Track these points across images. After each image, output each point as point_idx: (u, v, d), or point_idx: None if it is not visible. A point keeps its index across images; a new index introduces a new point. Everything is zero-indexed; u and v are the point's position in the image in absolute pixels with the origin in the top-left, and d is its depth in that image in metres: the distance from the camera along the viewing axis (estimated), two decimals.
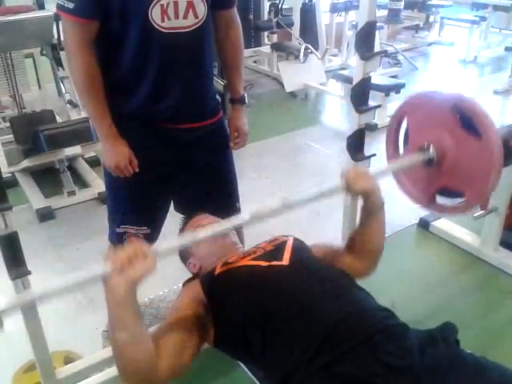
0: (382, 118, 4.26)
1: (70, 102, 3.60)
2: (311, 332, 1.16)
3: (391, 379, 1.07)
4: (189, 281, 1.59)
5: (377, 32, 3.22)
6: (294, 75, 4.96)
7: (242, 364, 1.38)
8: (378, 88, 4.04)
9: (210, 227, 1.24)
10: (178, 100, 1.59)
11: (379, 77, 4.49)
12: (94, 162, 3.54)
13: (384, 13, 6.09)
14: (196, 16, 1.50)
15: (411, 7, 6.77)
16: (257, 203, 3.28)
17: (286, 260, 1.36)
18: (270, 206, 1.28)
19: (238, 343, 1.28)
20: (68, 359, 1.82)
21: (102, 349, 1.89)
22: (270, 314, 1.22)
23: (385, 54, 5.31)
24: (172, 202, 1.84)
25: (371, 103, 1.90)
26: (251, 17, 5.76)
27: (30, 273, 1.38)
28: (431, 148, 1.47)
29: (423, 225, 2.80)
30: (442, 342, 1.16)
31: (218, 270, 1.37)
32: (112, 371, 1.61)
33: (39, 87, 4.36)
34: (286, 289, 1.27)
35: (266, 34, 5.96)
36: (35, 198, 3.13)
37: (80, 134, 2.96)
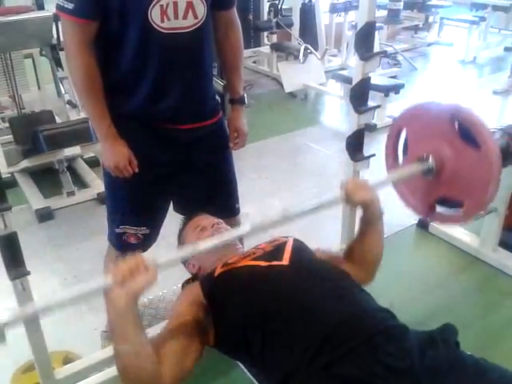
0: (381, 118, 4.27)
1: (69, 102, 3.60)
2: (311, 332, 1.16)
3: (391, 380, 1.07)
4: (188, 281, 1.59)
5: (376, 32, 3.23)
6: (294, 75, 4.96)
7: (241, 364, 1.38)
8: (378, 88, 4.04)
9: (210, 238, 1.25)
10: (177, 100, 1.59)
11: (378, 77, 4.50)
12: (93, 163, 3.54)
13: (383, 13, 6.10)
14: (195, 16, 1.50)
15: (411, 7, 6.78)
16: (256, 203, 3.31)
17: (285, 260, 1.36)
18: (271, 217, 1.30)
19: (239, 344, 1.28)
20: (67, 359, 1.82)
21: (100, 349, 1.89)
22: (270, 314, 1.22)
23: (384, 54, 5.31)
24: (171, 203, 1.84)
25: (370, 103, 1.90)
26: (251, 17, 5.76)
27: (29, 273, 1.38)
28: (430, 158, 1.48)
29: (422, 225, 2.81)
30: (442, 344, 1.15)
31: (217, 271, 1.37)
32: (111, 371, 1.61)
33: (38, 88, 4.36)
34: (286, 289, 1.27)
35: (265, 34, 5.97)
36: (34, 198, 3.13)
37: (79, 134, 2.96)
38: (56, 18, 3.07)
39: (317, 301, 1.23)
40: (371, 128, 3.95)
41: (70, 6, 1.40)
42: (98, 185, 3.23)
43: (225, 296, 1.31)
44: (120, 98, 1.58)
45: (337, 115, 4.98)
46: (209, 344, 1.32)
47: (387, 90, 4.18)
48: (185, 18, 1.48)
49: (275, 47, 5.45)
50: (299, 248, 1.44)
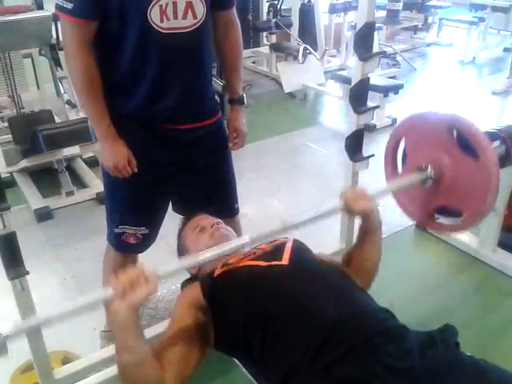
0: (380, 118, 4.27)
1: (68, 102, 3.60)
2: (311, 333, 1.16)
3: (391, 381, 1.07)
4: (187, 281, 1.59)
5: (375, 33, 3.23)
6: (293, 76, 4.97)
7: (240, 364, 1.38)
8: (377, 89, 4.04)
9: (210, 249, 1.25)
10: (176, 100, 1.59)
11: (378, 77, 4.50)
12: (92, 163, 3.54)
13: (383, 14, 6.10)
14: (195, 16, 1.50)
15: (410, 8, 6.78)
16: (255, 203, 3.30)
17: (285, 260, 1.36)
18: (271, 228, 1.31)
19: (238, 345, 1.28)
20: (66, 359, 1.82)
21: (99, 349, 1.89)
22: (270, 315, 1.22)
23: (383, 54, 5.31)
24: (171, 203, 1.84)
25: (370, 104, 1.90)
26: (250, 17, 5.76)
27: (28, 273, 1.38)
28: (429, 168, 1.49)
29: None
30: (442, 344, 1.16)
31: (217, 271, 1.37)
32: (110, 371, 1.61)
33: (38, 87, 4.36)
34: (285, 290, 1.26)
35: (264, 34, 5.98)
36: (33, 198, 3.13)
37: (78, 134, 2.96)
38: (55, 18, 3.07)
39: (316, 301, 1.23)
40: (370, 128, 3.95)
41: (70, 5, 1.40)
42: (97, 185, 3.22)
43: (225, 297, 1.31)
44: (119, 98, 1.58)
45: (336, 115, 4.98)
46: (209, 345, 1.32)
47: (386, 91, 4.19)
48: (184, 18, 1.48)
49: (274, 47, 5.45)
50: (299, 248, 1.44)
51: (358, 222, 1.50)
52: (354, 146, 1.93)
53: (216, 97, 1.79)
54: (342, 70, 5.40)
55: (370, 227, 1.44)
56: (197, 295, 1.34)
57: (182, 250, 1.62)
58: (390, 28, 6.80)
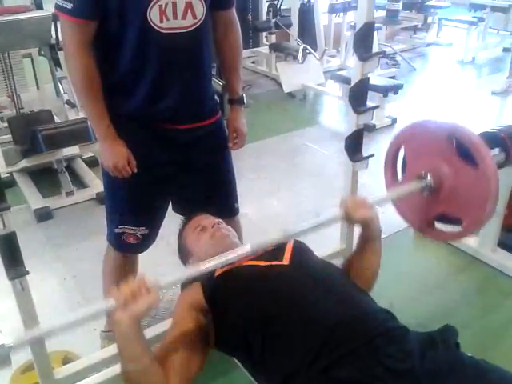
0: (380, 118, 4.27)
1: (68, 102, 3.60)
2: (311, 334, 1.16)
3: (391, 382, 1.06)
4: (188, 281, 1.58)
5: (375, 33, 3.24)
6: (293, 76, 4.97)
7: (240, 364, 1.38)
8: (377, 89, 4.04)
9: (213, 259, 1.25)
10: (176, 101, 1.59)
11: (377, 77, 4.50)
12: (92, 163, 3.54)
13: (382, 14, 6.10)
14: (194, 16, 1.50)
15: (409, 8, 6.78)
16: (255, 203, 3.30)
17: (286, 260, 1.36)
18: (271, 237, 1.32)
19: (239, 346, 1.28)
20: (66, 359, 1.82)
21: (100, 349, 1.89)
22: (270, 316, 1.22)
23: (383, 54, 5.31)
24: (170, 203, 1.84)
25: (369, 104, 1.90)
26: (249, 17, 5.77)
27: (27, 273, 1.38)
28: (429, 176, 1.50)
29: None
30: (442, 345, 1.16)
31: (218, 271, 1.37)
32: (110, 371, 1.61)
33: (37, 87, 4.36)
34: (286, 290, 1.26)
35: (264, 34, 5.98)
36: (33, 198, 3.13)
37: (78, 134, 2.96)
38: (55, 18, 3.07)
39: (317, 302, 1.23)
40: (370, 128, 3.95)
41: (69, 5, 1.40)
42: (96, 185, 3.22)
43: (225, 297, 1.31)
44: (119, 98, 1.58)
45: (335, 115, 4.98)
46: (210, 346, 1.32)
47: (386, 91, 4.19)
48: (184, 18, 1.48)
49: (274, 47, 5.45)
50: (300, 248, 1.44)
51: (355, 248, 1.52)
52: (354, 145, 1.93)
53: (216, 97, 1.79)
54: (341, 69, 5.40)
55: (370, 235, 1.45)
56: (197, 296, 1.34)
57: (182, 250, 1.62)
58: (390, 28, 6.80)
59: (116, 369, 1.56)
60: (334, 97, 5.02)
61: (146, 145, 1.63)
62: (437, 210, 1.55)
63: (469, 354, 1.18)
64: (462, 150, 1.45)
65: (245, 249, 1.28)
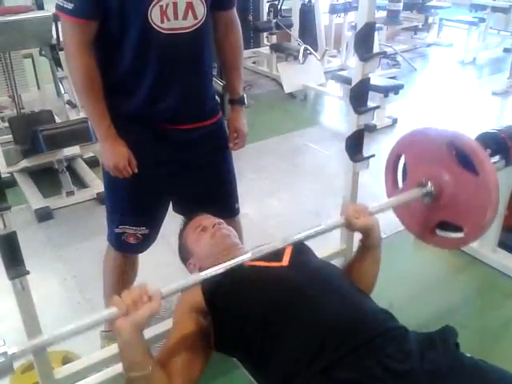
0: (380, 118, 4.28)
1: (68, 102, 3.60)
2: (311, 335, 1.16)
3: (390, 383, 1.06)
4: None
5: (376, 33, 3.23)
6: (293, 76, 4.97)
7: (240, 364, 1.38)
8: (377, 89, 4.04)
9: (215, 267, 1.25)
10: (177, 101, 1.59)
11: (378, 78, 4.50)
12: (92, 163, 3.54)
13: (383, 14, 6.09)
14: (195, 17, 1.50)
15: (410, 8, 6.77)
16: (256, 203, 3.30)
17: (285, 261, 1.36)
18: (272, 244, 1.32)
19: (238, 347, 1.28)
20: (66, 359, 1.82)
21: (100, 349, 1.89)
22: (269, 317, 1.22)
23: (384, 55, 5.31)
24: (171, 203, 1.84)
25: (370, 104, 1.90)
26: (250, 18, 5.77)
27: (28, 273, 1.37)
28: (429, 184, 1.51)
29: None
30: (442, 346, 1.16)
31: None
32: (110, 371, 1.61)
33: (38, 87, 4.36)
34: (285, 292, 1.26)
35: (265, 34, 5.98)
36: (34, 198, 3.13)
37: (79, 134, 2.96)
38: (56, 18, 3.07)
39: (316, 303, 1.23)
40: (371, 128, 3.96)
41: (70, 6, 1.41)
42: (97, 185, 3.23)
43: (225, 298, 1.31)
44: (120, 98, 1.58)
45: (336, 116, 4.98)
46: (211, 348, 1.32)
47: (387, 91, 4.19)
48: (184, 18, 1.48)
49: (275, 48, 5.45)
50: (300, 249, 1.44)
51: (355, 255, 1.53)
52: (355, 146, 1.93)
53: (216, 97, 1.79)
54: (342, 70, 5.40)
55: (370, 243, 1.45)
56: (197, 298, 1.34)
57: (183, 250, 1.62)
58: (391, 28, 6.80)
59: (116, 368, 1.56)
60: (334, 97, 5.02)
61: (147, 145, 1.64)
62: (438, 217, 1.56)
63: (468, 355, 1.18)
64: (462, 158, 1.45)
65: (246, 256, 1.28)
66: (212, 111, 1.73)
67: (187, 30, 1.50)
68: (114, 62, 1.54)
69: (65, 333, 1.08)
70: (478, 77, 6.09)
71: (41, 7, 3.40)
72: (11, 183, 3.25)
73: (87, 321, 1.09)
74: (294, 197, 3.29)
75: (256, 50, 5.89)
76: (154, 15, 1.43)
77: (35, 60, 4.19)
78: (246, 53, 5.16)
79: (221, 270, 1.23)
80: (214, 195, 1.81)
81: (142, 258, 1.89)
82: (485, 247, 2.51)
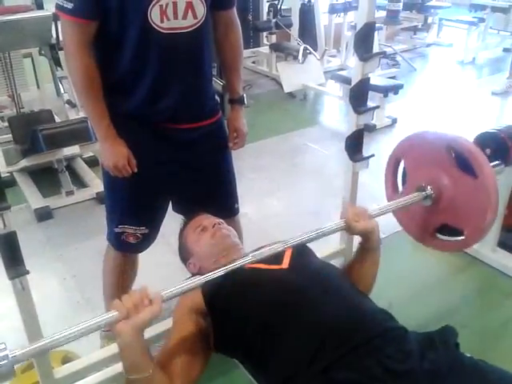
0: (380, 118, 4.28)
1: (68, 101, 3.60)
2: (310, 336, 1.16)
3: (390, 383, 1.07)
4: None
5: (375, 33, 3.23)
6: (293, 76, 4.97)
7: (240, 364, 1.38)
8: (377, 89, 4.05)
9: (216, 271, 1.24)
10: (176, 100, 1.59)
11: (378, 78, 4.51)
12: (92, 162, 3.55)
13: (383, 14, 6.09)
14: (195, 16, 1.50)
15: (410, 8, 6.78)
16: (255, 203, 3.29)
17: (285, 264, 1.36)
18: (273, 247, 1.32)
19: (238, 348, 1.28)
20: (66, 359, 1.81)
21: (99, 349, 1.89)
22: (269, 319, 1.22)
23: (383, 55, 5.31)
24: (170, 202, 1.84)
25: (370, 104, 1.90)
26: (250, 17, 5.77)
27: (28, 272, 1.37)
28: (429, 187, 1.52)
29: None
30: (442, 346, 1.16)
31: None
32: (110, 371, 1.61)
33: (38, 87, 4.36)
34: (285, 294, 1.26)
35: (264, 34, 5.98)
36: (33, 197, 3.13)
37: (78, 133, 2.95)
38: (55, 18, 3.07)
39: (316, 304, 1.23)
40: (370, 128, 3.96)
41: (70, 5, 1.40)
42: (97, 184, 3.23)
43: (225, 300, 1.31)
44: (119, 97, 1.58)
45: (336, 115, 4.98)
46: (211, 349, 1.32)
47: (386, 91, 4.19)
48: (184, 18, 1.48)
49: (274, 47, 5.45)
50: (299, 251, 1.44)
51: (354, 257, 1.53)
52: (354, 146, 1.93)
53: (216, 97, 1.79)
54: (341, 70, 5.40)
55: (370, 246, 1.45)
56: (197, 300, 1.34)
57: (183, 250, 1.62)
58: (390, 28, 6.80)
59: (116, 368, 1.56)
60: (334, 97, 5.02)
61: (146, 144, 1.63)
62: (438, 220, 1.56)
63: (468, 355, 1.18)
64: (461, 161, 1.46)
65: (246, 259, 1.28)
66: (212, 111, 1.73)
67: (187, 30, 1.50)
68: (113, 61, 1.54)
69: (66, 336, 1.08)
70: (477, 77, 6.10)
71: (40, 7, 3.40)
72: (11, 183, 3.25)
73: (88, 324, 1.09)
74: (294, 196, 3.29)
75: (256, 49, 5.89)
76: (154, 15, 1.43)
77: (35, 59, 4.19)
78: (246, 52, 5.16)
79: (221, 273, 1.23)
80: (214, 195, 1.81)
81: (142, 257, 1.89)
82: (484, 247, 2.51)
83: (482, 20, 6.41)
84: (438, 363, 1.10)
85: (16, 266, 1.35)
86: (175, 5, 1.44)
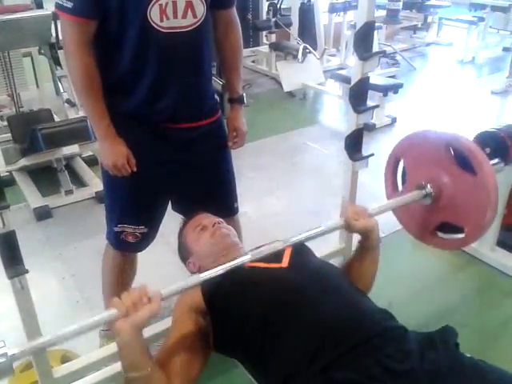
0: (380, 117, 4.28)
1: (67, 101, 3.59)
2: (310, 335, 1.16)
3: (389, 383, 1.06)
4: None
5: (375, 32, 3.23)
6: (293, 75, 4.96)
7: (240, 364, 1.38)
8: (377, 88, 4.04)
9: (215, 269, 1.25)
10: (176, 100, 1.59)
11: (377, 77, 4.50)
12: (91, 161, 3.54)
13: (382, 13, 6.10)
14: (195, 16, 1.50)
15: (409, 7, 6.78)
16: (255, 202, 3.29)
17: (285, 263, 1.36)
18: (272, 246, 1.32)
19: (237, 347, 1.28)
20: (65, 358, 1.82)
21: (98, 348, 1.89)
22: (269, 318, 1.22)
23: (383, 54, 5.31)
24: (170, 202, 1.84)
25: (369, 103, 1.90)
26: (250, 16, 5.76)
27: (27, 271, 1.37)
28: (429, 186, 1.52)
29: None
30: (442, 346, 1.16)
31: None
32: (109, 370, 1.61)
33: (37, 86, 4.36)
34: (284, 292, 1.26)
35: (264, 33, 5.97)
36: (33, 196, 3.13)
37: (78, 133, 2.95)
38: (55, 17, 3.07)
39: (315, 303, 1.23)
40: (370, 127, 3.96)
41: (70, 4, 1.40)
42: (96, 183, 3.22)
43: (224, 299, 1.31)
44: (119, 97, 1.58)
45: (335, 115, 4.98)
46: (210, 348, 1.32)
47: (386, 90, 4.19)
48: (184, 17, 1.48)
49: (274, 47, 5.45)
50: (299, 250, 1.44)
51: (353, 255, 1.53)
52: (354, 145, 1.93)
53: (216, 96, 1.79)
54: (341, 69, 5.40)
55: (369, 244, 1.45)
56: (197, 299, 1.34)
57: (182, 249, 1.62)
58: (390, 27, 6.80)
59: (115, 367, 1.56)
60: (333, 96, 5.02)
61: (146, 144, 1.63)
62: (438, 218, 1.56)
63: (468, 355, 1.18)
64: (461, 159, 1.46)
65: (245, 257, 1.28)
66: (211, 110, 1.73)
67: (187, 29, 1.50)
68: (113, 60, 1.54)
69: (65, 334, 1.08)
70: (477, 76, 6.10)
71: (40, 6, 3.39)
72: (10, 182, 3.25)
73: (87, 322, 1.09)
74: (293, 196, 3.29)
75: (255, 48, 5.89)
76: (154, 14, 1.43)
77: (34, 59, 4.19)
78: (245, 51, 5.15)
79: (220, 272, 1.23)
80: (213, 194, 1.81)
81: (141, 256, 1.89)
82: (484, 246, 2.51)
83: (481, 19, 6.41)
84: (437, 363, 1.10)
85: (15, 265, 1.35)
86: (175, 4, 1.44)
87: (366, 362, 1.09)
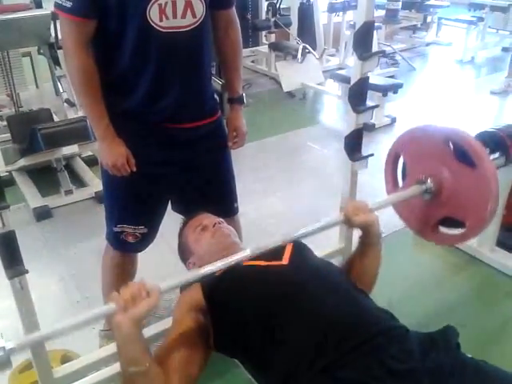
0: (379, 117, 4.28)
1: (67, 100, 3.59)
2: (311, 334, 1.16)
3: (390, 383, 1.06)
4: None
5: (375, 32, 3.23)
6: (292, 75, 4.96)
7: (240, 364, 1.38)
8: (376, 88, 4.04)
9: (213, 264, 1.25)
10: (175, 99, 1.59)
11: (377, 77, 4.50)
12: (91, 161, 3.54)
13: (382, 13, 6.10)
14: (194, 15, 1.49)
15: (409, 7, 6.79)
16: (254, 202, 3.29)
17: (285, 260, 1.36)
18: (271, 241, 1.32)
19: (238, 346, 1.28)
20: (65, 358, 1.82)
21: (98, 348, 1.89)
22: (270, 317, 1.22)
23: (383, 54, 5.32)
24: (170, 202, 1.84)
25: (369, 103, 1.89)
26: (249, 16, 5.76)
27: (27, 272, 1.37)
28: (429, 180, 1.51)
29: None
30: (443, 346, 1.15)
31: (217, 272, 1.36)
32: (109, 370, 1.61)
33: (36, 86, 4.36)
34: (285, 290, 1.26)
35: (263, 33, 5.98)
36: (32, 197, 3.12)
37: (77, 133, 2.95)
38: (54, 17, 3.07)
39: (316, 301, 1.23)
40: (370, 128, 3.96)
41: (69, 4, 1.40)
42: (96, 184, 3.22)
43: (225, 297, 1.31)
44: (118, 97, 1.58)
45: (335, 115, 4.98)
46: (210, 348, 1.32)
47: (385, 90, 4.19)
48: (183, 17, 1.47)
49: (273, 47, 5.45)
50: (299, 248, 1.44)
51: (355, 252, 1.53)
52: (353, 145, 1.92)
53: (215, 96, 1.79)
54: (341, 69, 5.40)
55: (370, 240, 1.45)
56: (197, 297, 1.34)
57: (183, 249, 1.62)
58: (389, 27, 6.80)
59: (115, 367, 1.56)
60: (333, 96, 5.02)
61: (145, 144, 1.63)
62: (439, 213, 1.56)
63: (469, 355, 1.18)
64: (460, 153, 1.46)
65: (245, 253, 1.28)
66: (211, 110, 1.73)
67: (186, 29, 1.50)
68: (112, 60, 1.53)
69: (62, 328, 1.08)
70: (476, 76, 6.10)
71: (39, 5, 3.40)
72: (9, 182, 3.25)
73: (85, 316, 1.09)
74: (293, 195, 3.29)
75: (255, 48, 5.89)
76: (153, 14, 1.43)
77: (33, 58, 4.20)
78: (245, 51, 5.15)
79: (220, 266, 1.23)
80: (213, 194, 1.81)
81: (141, 256, 1.89)
82: (483, 246, 2.51)
83: (480, 19, 6.41)
84: (439, 363, 1.10)
85: (15, 265, 1.35)
86: (174, 4, 1.44)
87: (369, 361, 1.09)
